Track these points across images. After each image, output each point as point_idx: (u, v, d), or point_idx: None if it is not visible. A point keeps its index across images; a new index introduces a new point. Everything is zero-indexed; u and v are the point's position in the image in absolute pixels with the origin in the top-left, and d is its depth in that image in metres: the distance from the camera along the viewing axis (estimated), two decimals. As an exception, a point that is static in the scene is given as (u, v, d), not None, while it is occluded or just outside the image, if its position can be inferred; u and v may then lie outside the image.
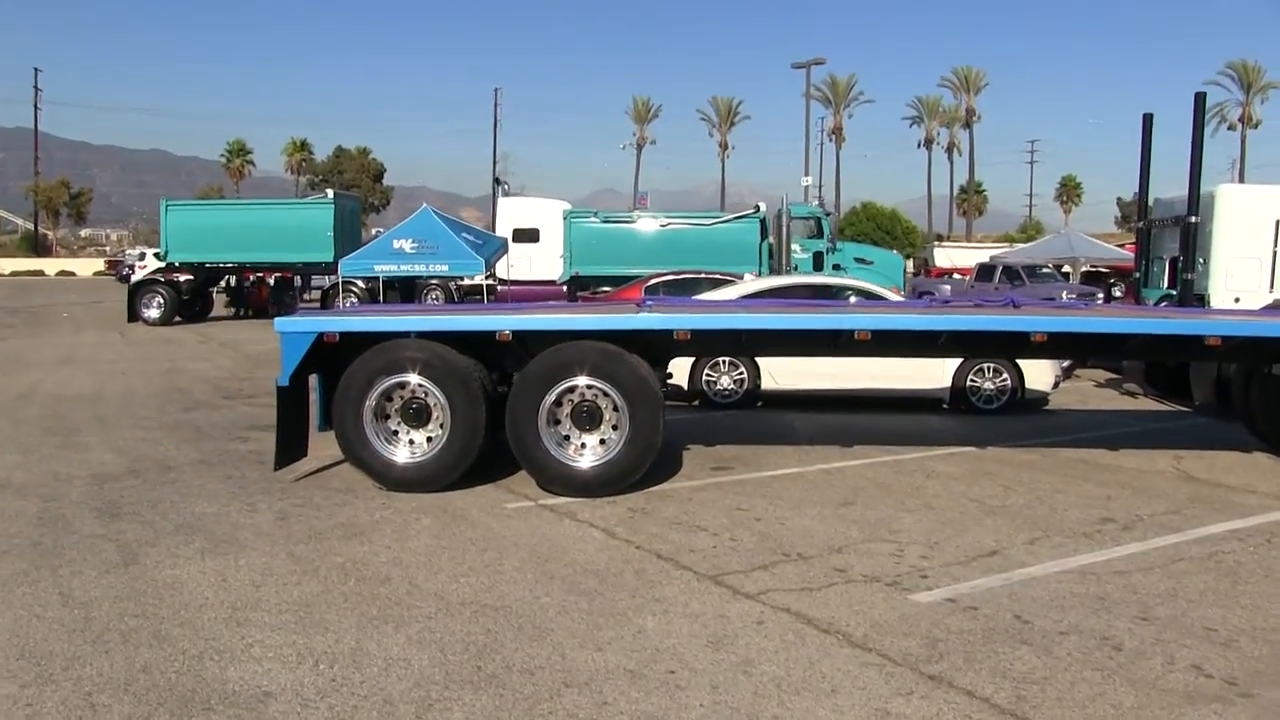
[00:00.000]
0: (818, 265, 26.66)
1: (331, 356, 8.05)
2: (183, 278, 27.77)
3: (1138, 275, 17.79)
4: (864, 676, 4.50)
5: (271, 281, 29.59)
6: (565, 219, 26.82)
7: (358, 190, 66.68)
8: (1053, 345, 8.31)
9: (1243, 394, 10.07)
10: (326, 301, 26.95)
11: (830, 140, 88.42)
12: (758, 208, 26.53)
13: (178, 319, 27.14)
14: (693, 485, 8.24)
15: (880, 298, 12.52)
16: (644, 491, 7.93)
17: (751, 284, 13.29)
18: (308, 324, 7.94)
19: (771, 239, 26.51)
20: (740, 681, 4.42)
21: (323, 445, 8.52)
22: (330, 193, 29.41)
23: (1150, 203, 17.66)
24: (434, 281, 29.54)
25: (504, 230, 27.68)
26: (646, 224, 26.85)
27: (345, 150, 79.86)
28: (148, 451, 9.41)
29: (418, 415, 7.82)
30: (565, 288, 27.36)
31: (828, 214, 28.08)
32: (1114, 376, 16.23)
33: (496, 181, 29.55)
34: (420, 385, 7.75)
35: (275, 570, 5.82)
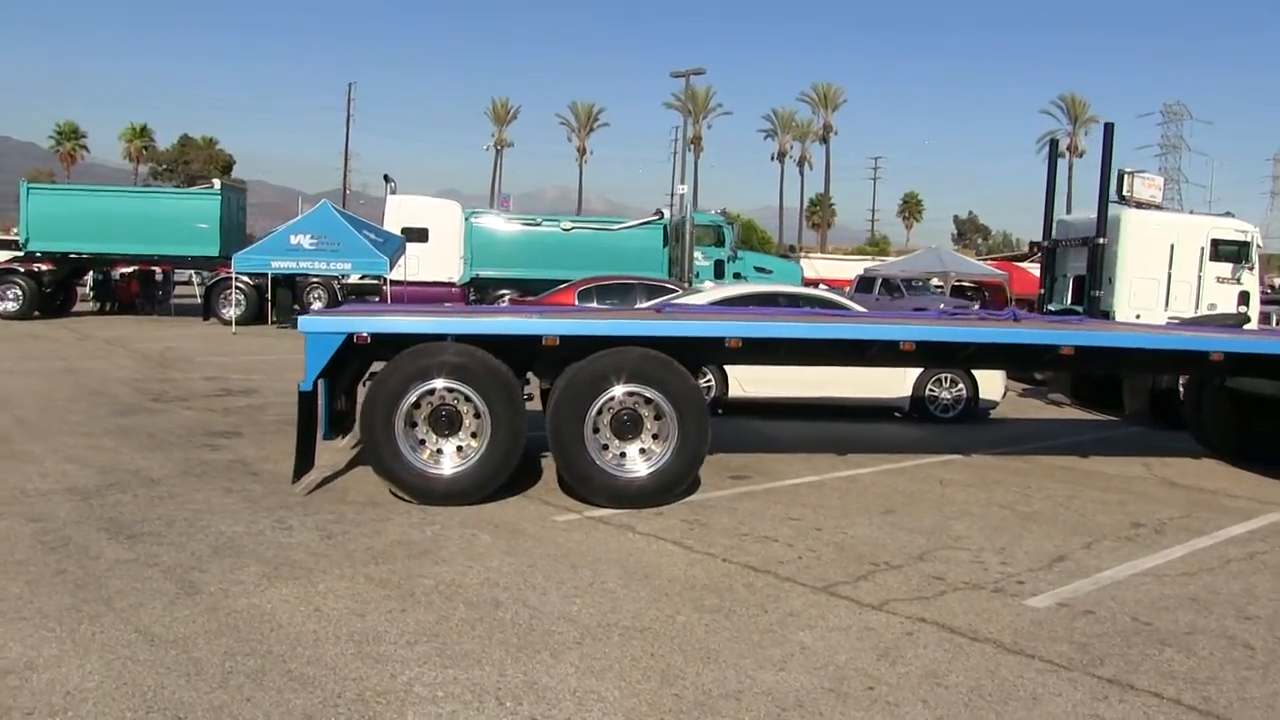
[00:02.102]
0: (719, 273, 27.01)
1: (339, 360, 7.62)
2: (44, 268, 25.78)
3: (1042, 292, 18.70)
4: (1051, 683, 4.55)
5: (159, 275, 27.82)
6: (467, 219, 26.28)
7: (204, 182, 63.52)
8: (1083, 359, 8.60)
9: (1194, 406, 10.71)
10: (210, 300, 25.52)
11: (689, 149, 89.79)
12: (660, 214, 26.69)
13: (36, 313, 25.21)
14: (726, 495, 8.17)
15: (845, 308, 12.74)
16: (681, 503, 7.81)
17: (717, 292, 13.30)
18: (337, 324, 7.47)
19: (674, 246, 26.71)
20: (941, 694, 4.39)
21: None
22: (217, 183, 27.95)
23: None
24: (315, 280, 28.45)
25: (392, 229, 26.92)
26: (551, 227, 26.56)
27: (191, 139, 75.76)
28: (113, 462, 8.66)
29: (450, 423, 7.48)
30: (463, 289, 26.86)
31: (729, 223, 28.44)
32: (1028, 387, 17.02)
33: (386, 179, 28.57)
34: (458, 392, 7.41)
35: (367, 597, 5.42)
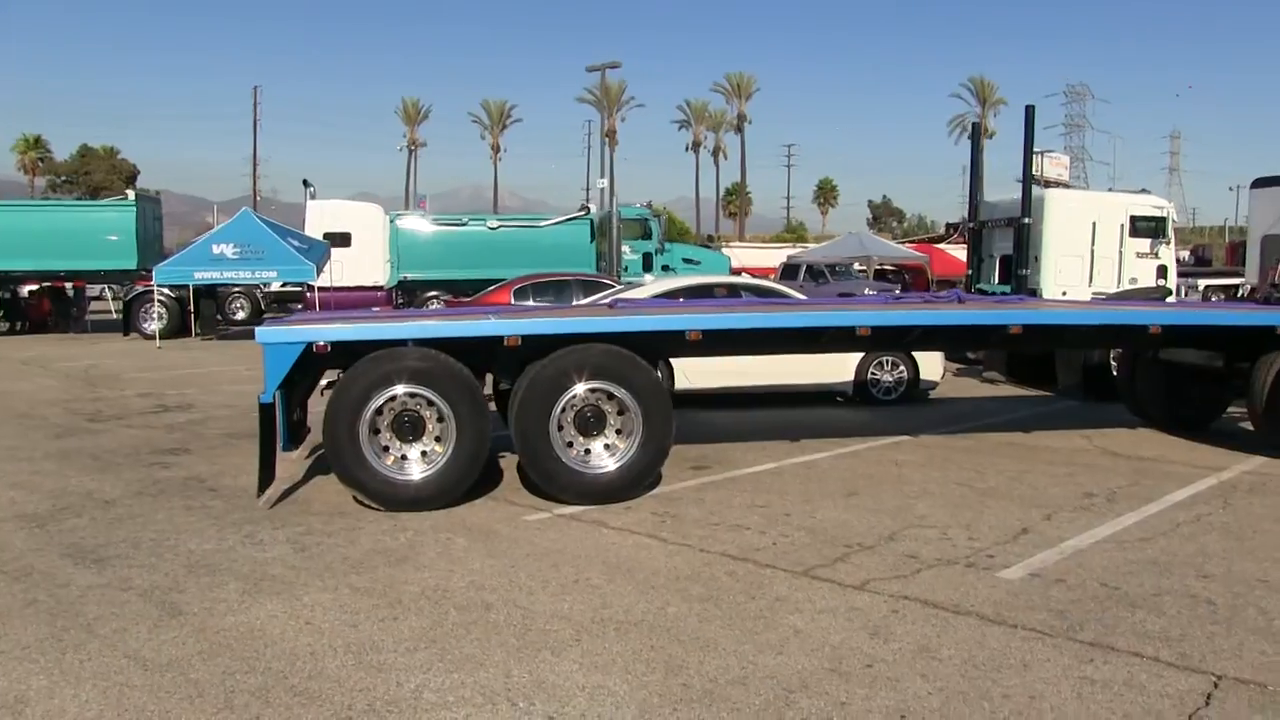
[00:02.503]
0: (647, 266, 27.13)
1: (296, 369, 7.52)
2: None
3: (970, 272, 19.17)
4: (1038, 650, 4.73)
5: (70, 290, 26.86)
6: (391, 222, 25.97)
7: (109, 193, 61.58)
8: (1030, 337, 8.85)
9: (1128, 378, 11.12)
10: (130, 314, 24.79)
11: (605, 143, 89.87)
12: (587, 209, 26.71)
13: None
14: (690, 486, 8.25)
15: (786, 296, 12.92)
16: (648, 496, 7.87)
17: (658, 285, 13.38)
18: (295, 334, 7.36)
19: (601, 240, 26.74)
20: (937, 668, 4.54)
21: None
22: (131, 193, 27.11)
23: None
24: (237, 290, 27.90)
25: (313, 234, 26.49)
26: (477, 227, 26.39)
27: (91, 149, 73.25)
28: (60, 486, 8.40)
29: (413, 429, 7.44)
30: (389, 293, 26.57)
31: (656, 216, 28.56)
32: (962, 366, 17.44)
33: (305, 184, 28.07)
34: (421, 396, 7.37)
35: (355, 607, 5.38)
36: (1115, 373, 12.85)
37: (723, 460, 9.32)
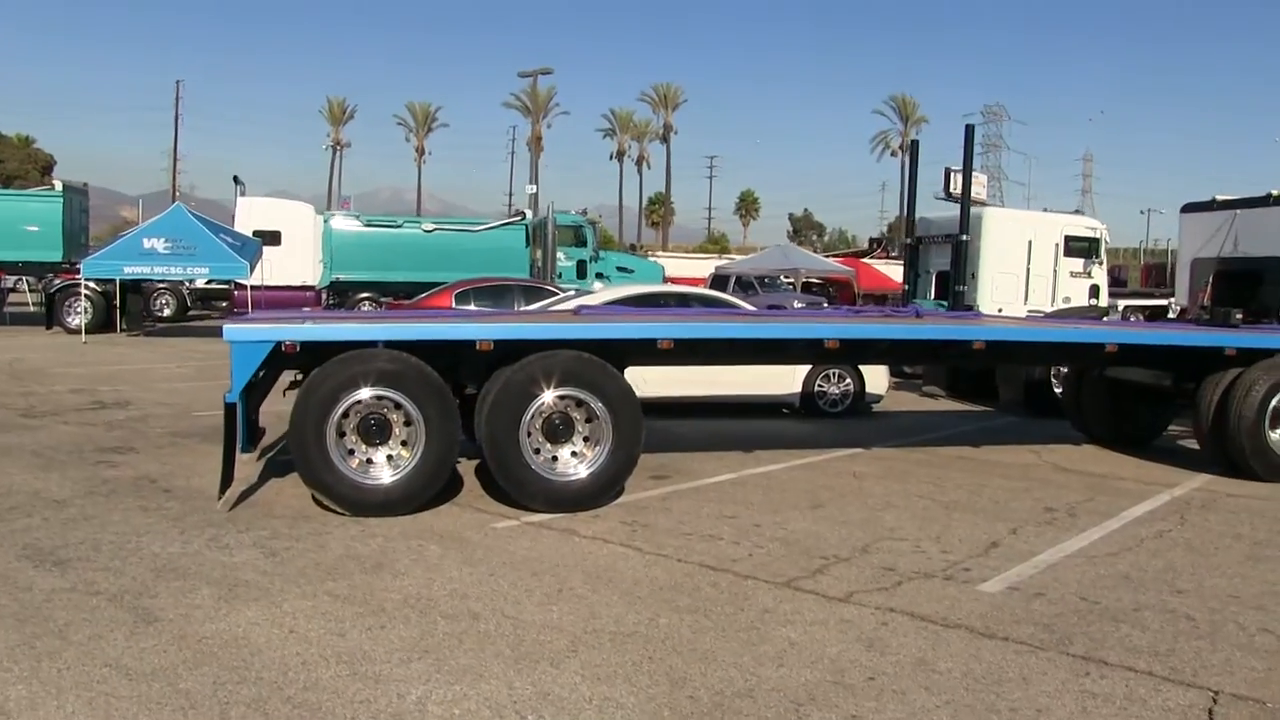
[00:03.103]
0: (581, 273, 27.05)
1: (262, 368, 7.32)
2: None
3: (906, 287, 19.47)
4: (1034, 664, 4.78)
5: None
6: (326, 222, 25.49)
7: (24, 183, 59.29)
8: (992, 353, 8.98)
9: (1073, 395, 11.39)
10: (54, 307, 23.82)
11: (529, 149, 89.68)
12: (522, 215, 26.58)
13: None
14: (655, 495, 8.20)
15: (735, 306, 12.96)
16: (614, 505, 7.80)
17: (607, 293, 13.30)
18: (264, 333, 7.14)
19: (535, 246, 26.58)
20: (939, 680, 4.55)
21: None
22: (58, 184, 26.08)
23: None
24: (162, 285, 27.08)
25: (242, 231, 25.87)
26: (412, 229, 26.02)
27: (4, 137, 70.23)
28: (4, 483, 8.01)
29: (379, 432, 7.27)
30: (318, 293, 26.07)
31: (591, 223, 28.48)
32: (898, 380, 17.70)
33: (236, 180, 27.41)
34: (389, 399, 7.20)
35: (339, 615, 5.20)
36: (1056, 389, 13.18)
37: (682, 470, 9.28)
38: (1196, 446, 10.14)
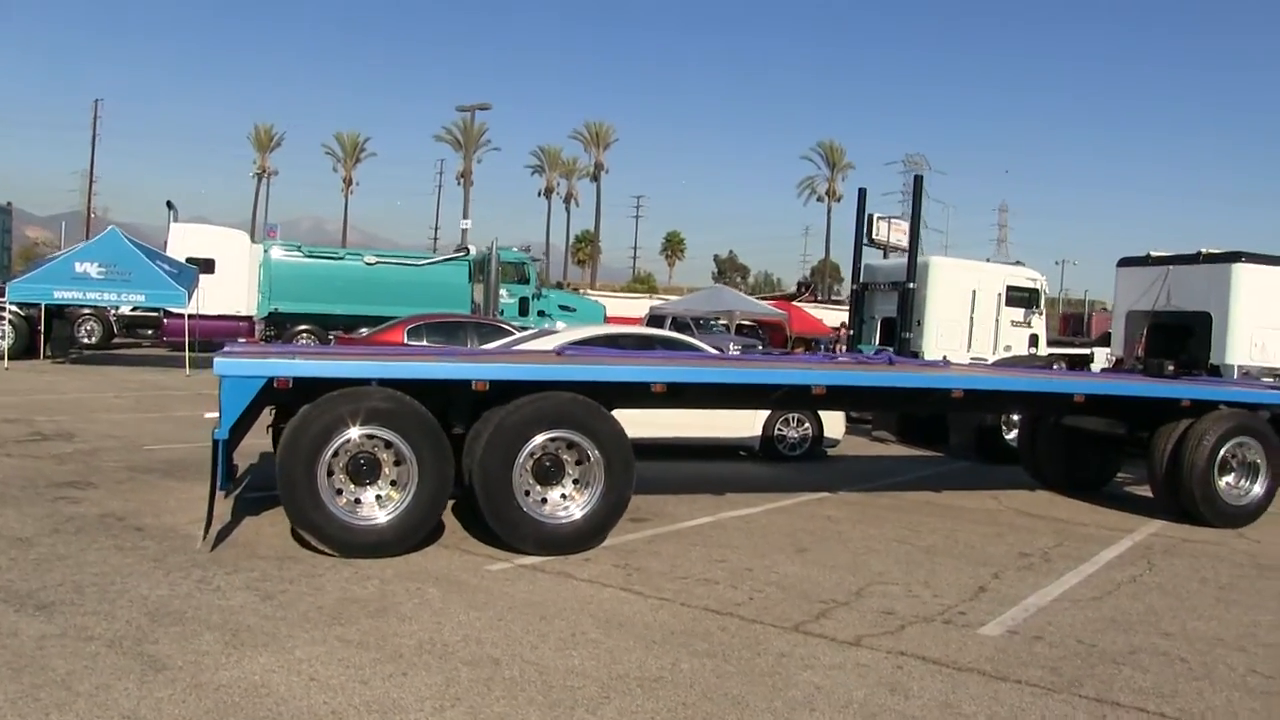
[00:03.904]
0: (523, 310, 27.00)
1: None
2: None
3: (851, 333, 19.85)
4: (1052, 706, 4.93)
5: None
6: (265, 251, 25.06)
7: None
8: (970, 401, 9.18)
9: (1029, 442, 11.74)
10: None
11: (459, 184, 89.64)
12: (466, 250, 26.45)
13: None
14: (639, 539, 8.21)
15: (697, 349, 13.09)
16: (601, 549, 7.78)
17: (571, 334, 13.32)
18: (257, 367, 7.01)
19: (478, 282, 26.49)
20: (968, 725, 4.65)
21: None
22: (-20, 205, 25.22)
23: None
24: (86, 310, 26.28)
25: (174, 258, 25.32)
26: (354, 261, 25.74)
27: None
28: (-45, 523, 7.71)
29: (369, 471, 7.18)
30: (253, 324, 25.60)
31: (534, 261, 28.49)
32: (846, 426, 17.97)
33: (169, 205, 26.82)
34: (381, 438, 7.13)
35: (356, 661, 5.10)
36: (1006, 436, 13.56)
37: (659, 513, 9.31)
38: (1144, 492, 10.53)
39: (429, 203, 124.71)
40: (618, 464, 7.62)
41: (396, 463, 7.22)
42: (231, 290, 25.43)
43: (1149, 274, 15.26)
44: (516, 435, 7.37)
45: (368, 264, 25.65)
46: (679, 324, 32.92)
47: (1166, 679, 5.40)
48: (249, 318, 25.30)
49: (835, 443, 13.85)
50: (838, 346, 31.41)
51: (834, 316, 46.79)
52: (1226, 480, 9.66)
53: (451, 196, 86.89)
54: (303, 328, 24.74)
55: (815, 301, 57.05)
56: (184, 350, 21.08)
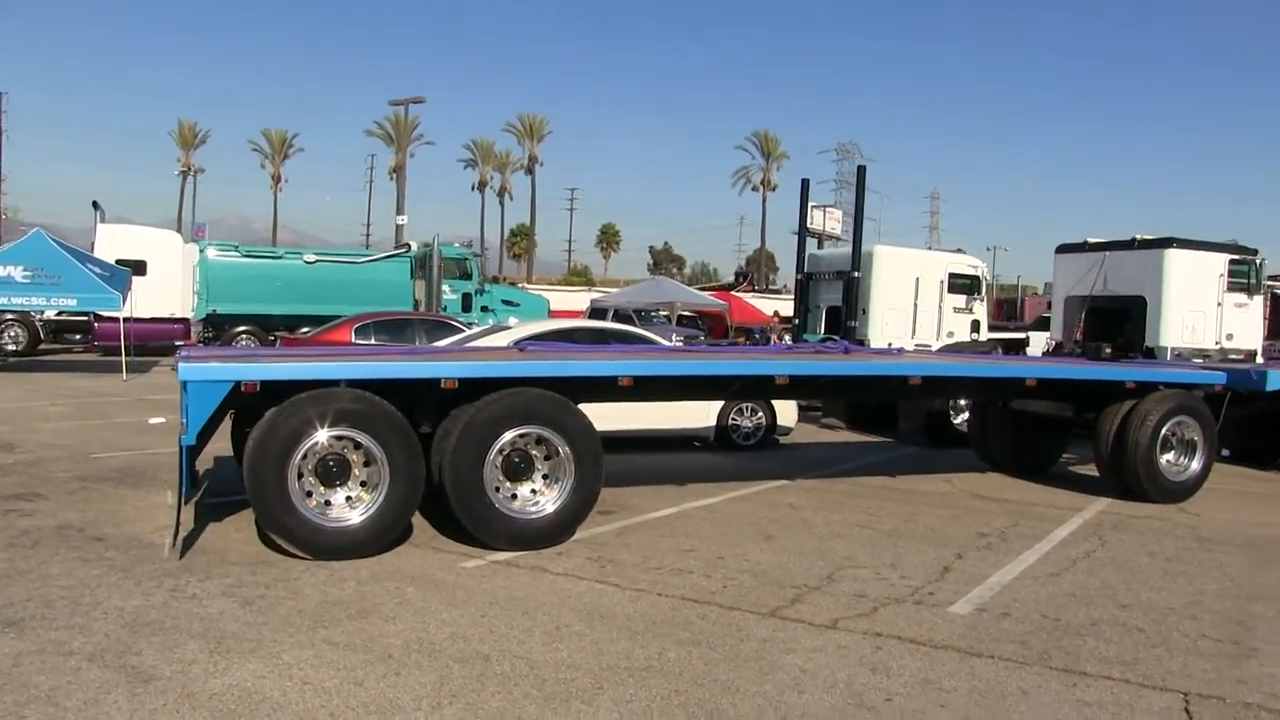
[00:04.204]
0: (466, 307, 26.86)
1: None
2: None
3: (796, 322, 20.08)
4: (1027, 678, 5.14)
5: None
6: (201, 252, 24.63)
7: None
8: (928, 388, 9.41)
9: (979, 426, 12.05)
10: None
11: (391, 179, 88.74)
12: (408, 247, 26.24)
13: None
14: (608, 531, 8.29)
15: (650, 341, 13.20)
16: (571, 542, 7.84)
17: (524, 329, 13.32)
18: (223, 371, 6.95)
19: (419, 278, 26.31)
20: (950, 698, 4.84)
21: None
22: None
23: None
24: (10, 316, 25.58)
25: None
26: (293, 260, 25.39)
27: None
28: (-94, 538, 7.52)
29: (340, 473, 7.17)
30: (188, 326, 25.15)
31: (476, 256, 28.35)
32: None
33: (95, 206, 26.19)
34: (351, 439, 7.12)
35: (346, 664, 5.11)
36: (956, 421, 13.89)
37: (624, 505, 9.39)
38: (1088, 472, 10.89)
39: (360, 199, 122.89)
40: (587, 458, 7.69)
41: (366, 463, 7.22)
42: (165, 292, 24.95)
43: (1086, 260, 15.72)
44: (487, 432, 7.41)
45: (307, 262, 25.33)
46: (621, 316, 32.99)
47: (1127, 648, 5.65)
48: (184, 320, 24.85)
49: (788, 431, 14.05)
50: (777, 336, 31.80)
51: (773, 306, 47.38)
52: (1167, 458, 10.04)
53: (383, 192, 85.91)
54: (242, 329, 24.37)
55: (754, 291, 57.60)
56: (119, 355, 20.61)
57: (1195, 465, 10.14)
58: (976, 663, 5.35)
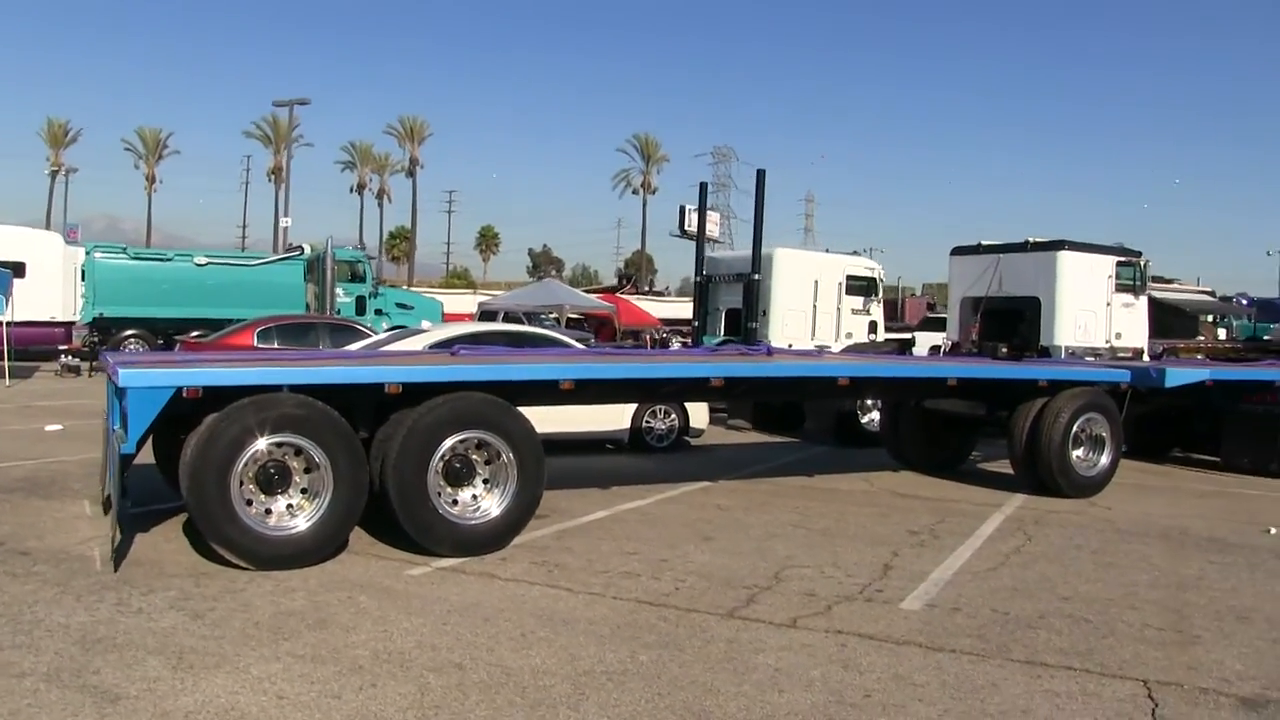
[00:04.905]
0: (360, 309, 26.33)
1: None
2: None
3: (696, 324, 20.31)
4: (991, 670, 5.32)
5: None
6: (89, 253, 23.56)
7: None
8: (856, 388, 9.60)
9: (892, 425, 12.39)
10: None
11: (270, 180, 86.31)
12: (301, 249, 25.57)
13: None
14: (545, 535, 8.22)
15: (566, 344, 13.18)
16: (511, 547, 7.76)
17: (439, 332, 13.14)
18: (163, 377, 6.66)
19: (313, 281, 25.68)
20: (925, 692, 4.98)
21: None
22: None
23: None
24: None
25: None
26: (183, 263, 24.45)
27: None
28: None
29: (281, 480, 6.97)
30: (69, 330, 24.02)
31: (370, 258, 27.76)
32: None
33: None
34: (291, 445, 6.92)
35: (318, 676, 4.94)
36: (863, 420, 14.26)
37: (555, 509, 9.31)
38: (995, 469, 11.32)
39: (235, 201, 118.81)
40: (530, 462, 7.65)
41: (307, 470, 7.02)
42: (45, 295, 23.76)
43: (981, 262, 16.33)
44: (430, 437, 7.29)
45: (198, 265, 24.43)
46: (511, 318, 32.68)
47: (1079, 639, 5.90)
48: (67, 324, 23.71)
49: (700, 432, 14.19)
50: (657, 340, 32.08)
51: (658, 309, 47.81)
52: (1078, 453, 10.51)
53: (260, 194, 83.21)
54: (130, 333, 23.39)
55: (638, 293, 57.93)
56: (1, 360, 19.52)
57: (1104, 460, 10.65)
58: (941, 657, 5.51)
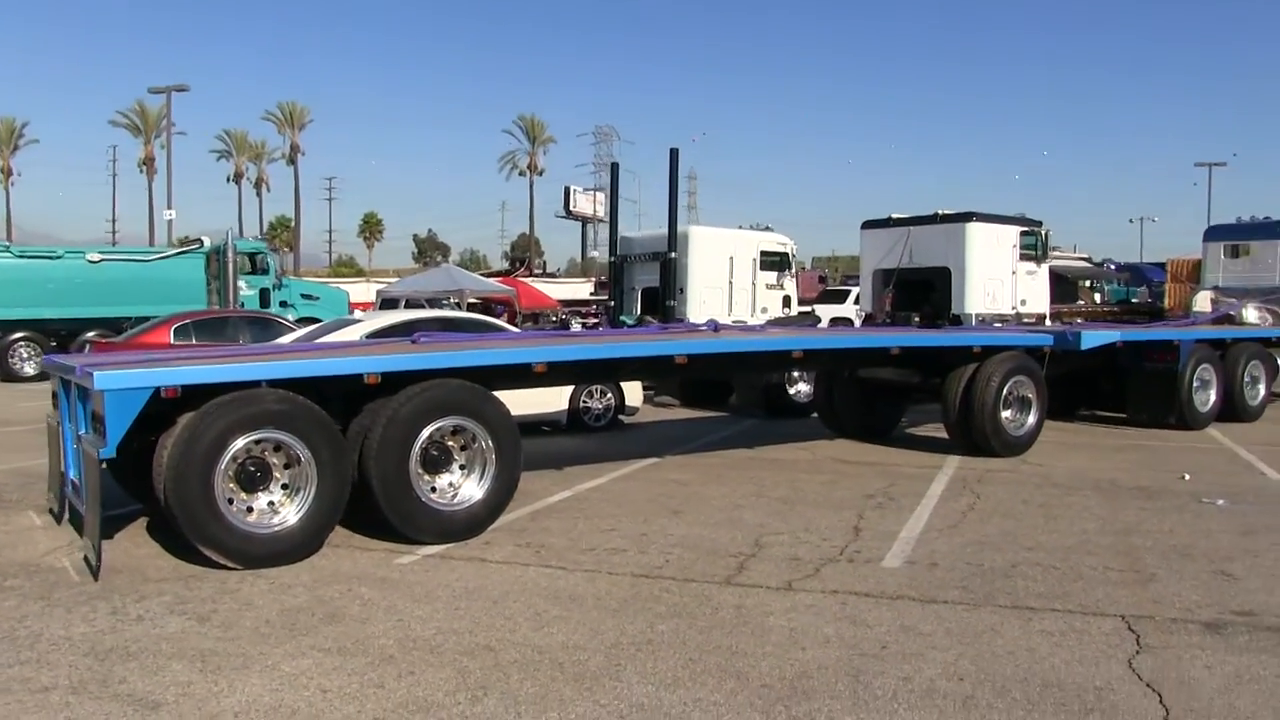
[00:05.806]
0: (264, 302, 25.64)
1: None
2: None
3: (613, 304, 20.46)
4: (987, 617, 5.69)
5: None
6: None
7: None
8: (810, 360, 9.91)
9: (826, 395, 12.82)
10: None
11: (141, 171, 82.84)
12: (201, 242, 24.76)
13: None
14: (520, 517, 8.29)
15: (502, 329, 13.22)
16: (491, 530, 7.84)
17: (376, 321, 12.99)
18: (141, 378, 6.51)
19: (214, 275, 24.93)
20: (936, 640, 5.32)
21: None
22: None
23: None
24: None
25: None
26: (74, 260, 23.42)
27: None
28: None
29: (262, 477, 6.92)
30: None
31: (273, 250, 27.02)
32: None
33: None
34: (272, 440, 6.87)
35: (353, 668, 4.95)
36: (791, 391, 14.69)
37: (519, 491, 9.34)
38: (925, 434, 11.83)
39: (103, 194, 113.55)
40: (508, 445, 7.74)
41: (287, 466, 6.98)
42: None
43: (891, 235, 16.89)
44: (412, 426, 7.31)
45: (91, 262, 23.41)
46: (413, 304, 32.25)
47: (1053, 584, 6.33)
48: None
49: (635, 411, 14.39)
50: (575, 321, 32.06)
51: (554, 290, 47.81)
52: (1007, 414, 11.09)
53: (130, 186, 79.69)
54: (17, 335, 22.30)
55: (532, 276, 57.74)
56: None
57: (1031, 420, 11.27)
58: (937, 608, 5.85)
